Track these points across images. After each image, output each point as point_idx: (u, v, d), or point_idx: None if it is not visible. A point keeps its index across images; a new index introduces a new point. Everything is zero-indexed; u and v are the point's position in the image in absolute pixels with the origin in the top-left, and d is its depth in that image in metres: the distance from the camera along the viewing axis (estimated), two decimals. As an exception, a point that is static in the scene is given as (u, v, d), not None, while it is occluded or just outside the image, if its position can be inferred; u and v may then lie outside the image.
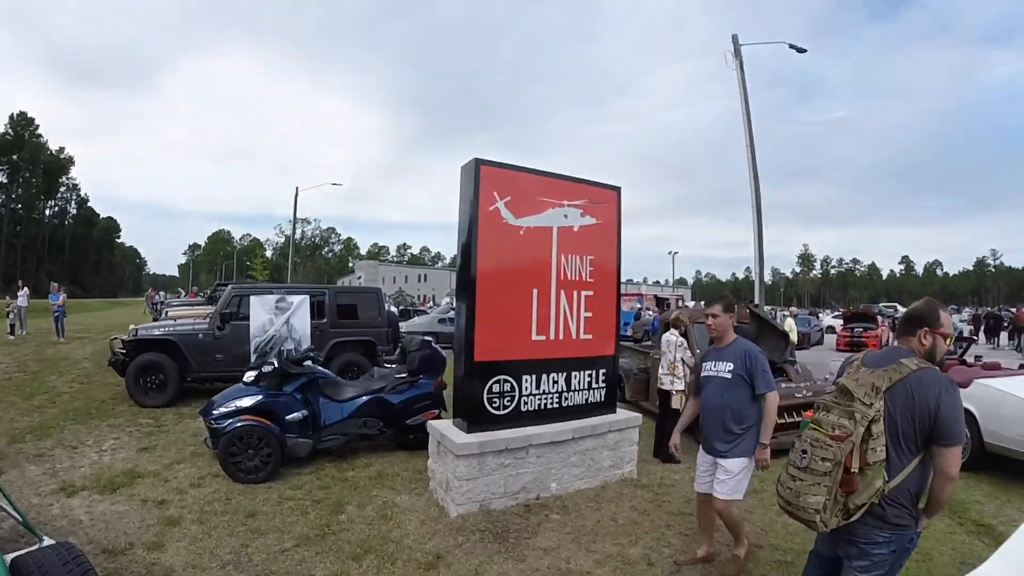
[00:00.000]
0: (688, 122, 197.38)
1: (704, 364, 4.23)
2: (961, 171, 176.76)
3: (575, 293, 6.04)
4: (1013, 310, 33.47)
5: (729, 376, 3.97)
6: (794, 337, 16.08)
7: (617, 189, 6.45)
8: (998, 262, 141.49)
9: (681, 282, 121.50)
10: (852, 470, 2.44)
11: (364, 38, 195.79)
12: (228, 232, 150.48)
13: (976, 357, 9.39)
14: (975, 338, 20.05)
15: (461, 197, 5.66)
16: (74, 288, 67.57)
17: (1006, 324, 29.23)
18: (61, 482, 5.90)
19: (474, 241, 5.43)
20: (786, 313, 24.64)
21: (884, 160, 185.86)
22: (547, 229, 5.85)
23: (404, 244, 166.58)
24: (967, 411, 6.96)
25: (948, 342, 2.64)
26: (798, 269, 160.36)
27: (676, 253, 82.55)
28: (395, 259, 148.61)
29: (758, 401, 3.97)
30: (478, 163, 5.48)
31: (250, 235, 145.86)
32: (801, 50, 17.96)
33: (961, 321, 34.33)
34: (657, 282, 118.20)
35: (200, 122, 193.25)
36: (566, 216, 5.96)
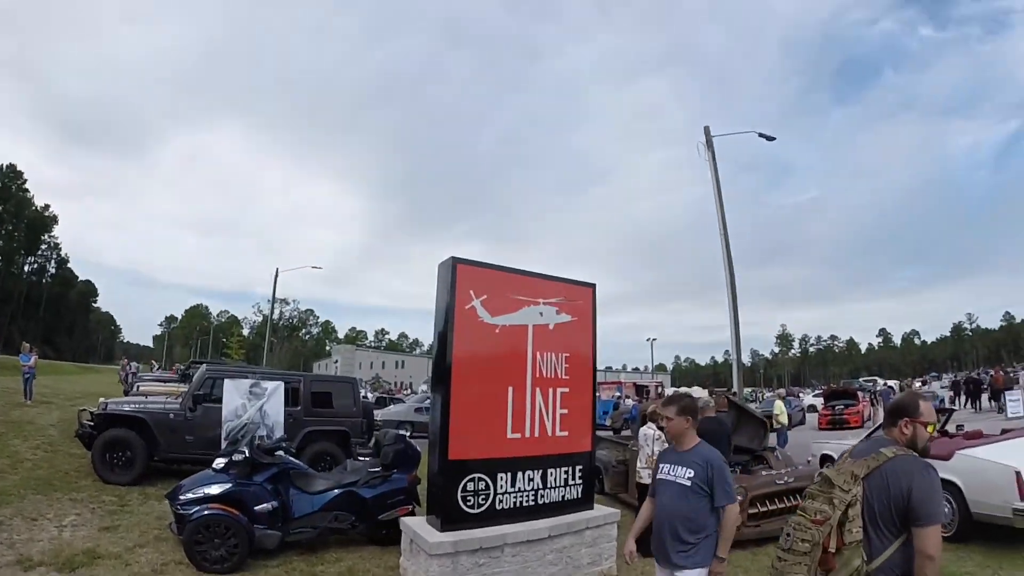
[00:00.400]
0: (665, 209, 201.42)
1: (661, 466, 3.93)
2: (930, 241, 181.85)
3: (550, 390, 6.06)
4: (991, 372, 33.79)
5: (688, 484, 3.67)
6: (784, 419, 16.11)
7: (592, 286, 6.58)
8: (974, 325, 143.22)
9: (660, 368, 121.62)
10: (829, 550, 2.63)
11: (350, 122, 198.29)
12: (206, 307, 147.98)
13: (958, 426, 9.46)
14: (954, 407, 20.18)
15: (438, 295, 5.75)
16: (46, 348, 66.32)
17: (985, 387, 29.42)
18: (18, 555, 5.74)
19: (450, 340, 5.48)
20: (771, 394, 24.61)
21: (856, 236, 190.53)
22: (523, 327, 5.92)
23: (382, 329, 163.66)
24: (951, 483, 7.05)
25: (930, 429, 2.81)
26: (777, 349, 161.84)
27: (654, 339, 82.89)
28: (373, 344, 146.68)
29: (717, 511, 3.72)
30: (455, 261, 5.58)
31: (228, 312, 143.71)
32: (770, 138, 18.62)
33: (942, 388, 34.77)
34: (636, 369, 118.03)
35: (186, 194, 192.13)
36: (541, 314, 6.04)
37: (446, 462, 5.42)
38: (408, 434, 7.82)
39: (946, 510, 7.15)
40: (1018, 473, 6.66)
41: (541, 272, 6.20)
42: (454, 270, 5.55)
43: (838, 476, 2.76)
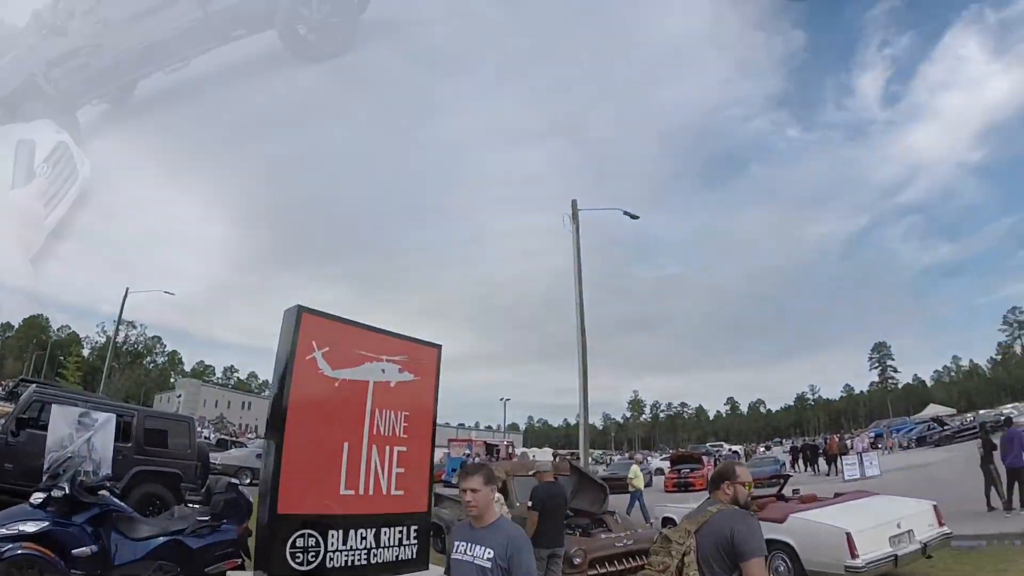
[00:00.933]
0: (530, 273, 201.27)
1: (456, 544, 3.40)
2: (779, 318, 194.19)
3: (387, 448, 6.13)
4: (828, 438, 36.76)
5: (488, 565, 3.19)
6: (639, 483, 16.83)
7: (438, 347, 6.77)
8: (816, 396, 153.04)
9: (513, 428, 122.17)
10: None
11: (229, 144, 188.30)
12: (46, 319, 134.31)
13: (794, 491, 10.18)
14: (791, 473, 21.74)
15: (280, 341, 5.73)
16: None
17: (821, 452, 31.74)
18: None
19: (287, 389, 5.47)
20: (620, 458, 25.40)
21: (710, 311, 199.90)
22: (363, 383, 6.00)
23: (232, 367, 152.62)
24: (786, 543, 7.59)
25: (748, 488, 3.35)
26: (628, 414, 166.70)
27: (508, 399, 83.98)
28: (220, 381, 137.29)
29: None
30: (300, 310, 5.61)
31: (69, 327, 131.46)
32: (634, 217, 19.87)
33: (783, 453, 37.40)
34: (489, 427, 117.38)
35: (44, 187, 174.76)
36: (383, 371, 6.15)
37: (275, 516, 5.35)
38: (248, 480, 7.64)
39: (781, 568, 7.81)
40: (849, 535, 7.19)
41: (387, 329, 6.34)
42: (299, 319, 5.57)
43: (674, 533, 3.35)
